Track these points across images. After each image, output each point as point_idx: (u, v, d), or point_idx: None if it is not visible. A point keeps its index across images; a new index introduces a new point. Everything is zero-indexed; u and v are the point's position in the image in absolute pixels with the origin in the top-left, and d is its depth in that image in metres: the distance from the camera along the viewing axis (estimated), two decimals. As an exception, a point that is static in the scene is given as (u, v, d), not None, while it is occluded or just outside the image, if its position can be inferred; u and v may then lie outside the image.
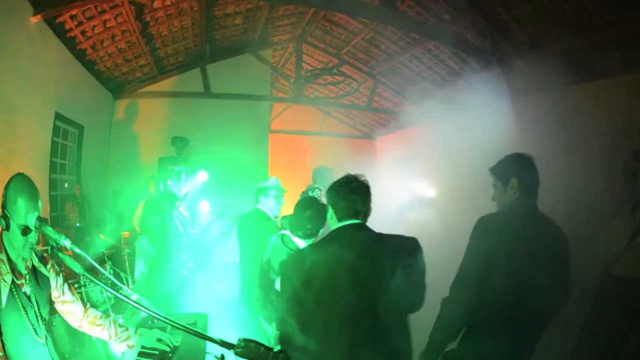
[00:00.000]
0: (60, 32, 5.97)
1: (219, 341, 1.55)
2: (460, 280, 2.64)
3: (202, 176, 8.17)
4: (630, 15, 4.74)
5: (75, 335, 4.45)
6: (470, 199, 5.90)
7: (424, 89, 9.35)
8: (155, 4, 6.80)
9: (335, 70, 10.42)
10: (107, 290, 2.51)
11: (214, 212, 7.64)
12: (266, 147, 10.96)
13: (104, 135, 8.85)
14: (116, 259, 6.05)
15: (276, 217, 4.56)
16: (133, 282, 4.94)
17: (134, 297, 3.23)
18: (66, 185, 7.03)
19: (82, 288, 4.69)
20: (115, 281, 2.67)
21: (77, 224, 6.51)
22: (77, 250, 2.02)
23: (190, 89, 9.78)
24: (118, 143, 9.11)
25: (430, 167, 8.54)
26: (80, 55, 6.80)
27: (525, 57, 6.43)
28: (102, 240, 5.89)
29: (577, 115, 5.30)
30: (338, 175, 2.51)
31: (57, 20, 5.77)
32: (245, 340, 1.53)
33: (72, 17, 5.92)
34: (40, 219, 2.00)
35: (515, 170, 2.72)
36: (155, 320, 3.19)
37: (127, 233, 6.80)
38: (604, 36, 5.28)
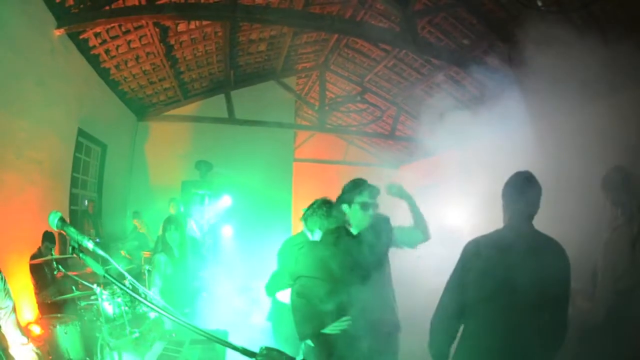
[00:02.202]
0: (83, 48, 6.16)
1: (240, 349, 1.52)
2: (442, 306, 2.55)
3: (226, 201, 8.22)
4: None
5: (90, 344, 4.46)
6: (495, 227, 5.82)
7: (446, 116, 9.32)
8: (180, 28, 7.00)
9: (358, 98, 10.49)
10: (128, 294, 2.52)
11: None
12: (290, 174, 10.96)
13: (126, 155, 9.01)
14: (136, 276, 6.08)
15: None
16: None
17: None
18: (86, 202, 7.13)
19: (96, 302, 4.68)
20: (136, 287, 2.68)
21: (97, 239, 6.58)
22: (100, 252, 2.02)
23: (215, 114, 9.91)
24: (140, 164, 9.27)
25: (454, 196, 8.44)
26: (103, 74, 6.99)
27: (546, 79, 6.38)
28: (122, 257, 5.95)
29: (600, 135, 5.20)
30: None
31: (81, 37, 5.96)
32: (268, 349, 1.50)
33: (96, 35, 6.12)
34: (62, 220, 2.01)
35: (509, 190, 2.66)
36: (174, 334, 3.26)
37: (147, 253, 6.85)
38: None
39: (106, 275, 1.99)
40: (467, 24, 7.05)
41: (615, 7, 5.58)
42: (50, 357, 4.33)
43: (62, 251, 5.27)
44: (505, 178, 4.25)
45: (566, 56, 4.65)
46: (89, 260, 2.01)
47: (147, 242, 7.44)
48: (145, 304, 1.76)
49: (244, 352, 1.50)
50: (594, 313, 3.32)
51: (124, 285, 1.69)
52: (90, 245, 1.91)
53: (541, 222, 4.43)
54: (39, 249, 4.89)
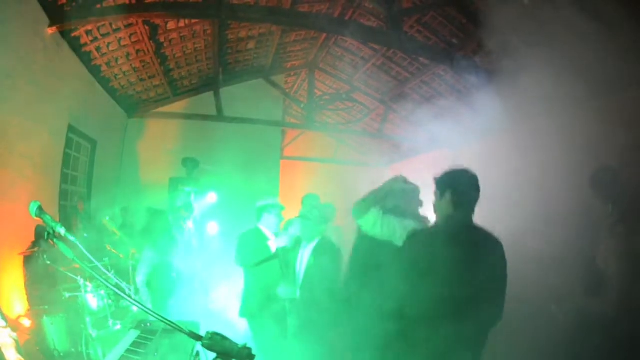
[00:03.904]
0: (75, 46, 6.20)
1: (187, 332, 1.62)
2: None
3: (211, 197, 8.26)
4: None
5: (74, 335, 4.54)
6: (483, 223, 5.92)
7: (434, 115, 9.41)
8: (169, 26, 7.06)
9: (344, 96, 10.58)
10: (100, 282, 2.63)
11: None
12: (277, 172, 11.02)
13: (116, 152, 9.06)
14: (120, 272, 6.13)
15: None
16: (136, 292, 5.04)
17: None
18: (77, 199, 7.16)
19: (80, 294, 4.74)
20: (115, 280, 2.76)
21: (85, 235, 6.62)
22: (71, 237, 2.15)
23: (203, 112, 9.99)
24: (130, 160, 9.32)
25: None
26: (94, 71, 7.03)
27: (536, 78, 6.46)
28: (108, 251, 6.00)
29: (591, 136, 5.29)
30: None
31: (73, 34, 5.99)
32: (212, 334, 1.60)
33: (88, 33, 6.16)
34: (40, 208, 2.13)
35: (451, 184, 2.72)
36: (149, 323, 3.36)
37: (134, 250, 6.89)
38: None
39: (75, 259, 2.12)
40: (456, 23, 7.15)
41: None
42: (37, 348, 4.41)
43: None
44: (495, 177, 4.37)
45: (555, 56, 4.73)
46: (61, 245, 2.15)
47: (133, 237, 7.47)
48: (114, 290, 1.87)
49: (192, 335, 1.61)
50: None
51: (97, 272, 1.81)
52: (62, 231, 2.07)
53: (528, 222, 4.57)
54: (33, 242, 4.95)
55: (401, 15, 6.80)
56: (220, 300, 6.22)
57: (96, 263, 2.59)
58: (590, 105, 5.13)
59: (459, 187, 2.68)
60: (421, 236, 2.65)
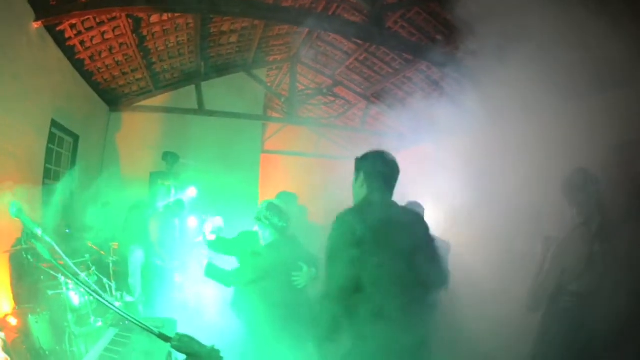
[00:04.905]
0: (60, 40, 6.12)
1: (157, 333, 1.65)
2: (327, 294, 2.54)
3: (191, 192, 8.24)
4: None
5: (58, 333, 4.53)
6: (466, 220, 6.01)
7: (416, 110, 9.48)
8: (152, 19, 7.01)
9: (325, 91, 10.62)
10: (68, 277, 2.68)
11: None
12: (257, 166, 11.00)
13: (99, 146, 8.95)
14: (101, 267, 6.09)
15: None
16: (116, 289, 5.03)
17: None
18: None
19: (62, 291, 4.72)
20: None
21: (67, 230, 6.56)
22: (47, 239, 2.18)
23: (185, 105, 9.93)
24: (112, 155, 9.21)
25: (423, 190, 8.57)
26: (78, 65, 6.94)
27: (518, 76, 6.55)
28: (89, 247, 5.96)
29: (573, 135, 5.35)
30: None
31: (58, 29, 5.92)
32: (181, 335, 1.63)
33: (72, 27, 6.09)
34: (20, 209, 2.15)
35: (364, 166, 2.75)
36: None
37: (116, 244, 6.85)
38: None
39: (52, 260, 2.16)
40: (441, 20, 7.22)
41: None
42: (24, 347, 4.39)
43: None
44: (480, 172, 4.42)
45: (540, 54, 4.80)
46: (38, 246, 2.19)
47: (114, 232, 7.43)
48: (84, 288, 1.91)
49: (161, 336, 1.65)
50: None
51: (69, 270, 1.85)
52: (39, 232, 2.11)
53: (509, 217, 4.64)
54: (17, 239, 4.91)
55: (385, 11, 6.86)
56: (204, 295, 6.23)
57: (69, 263, 2.63)
58: (573, 104, 5.21)
59: (372, 168, 2.71)
60: (343, 218, 2.60)
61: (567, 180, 3.67)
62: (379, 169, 2.70)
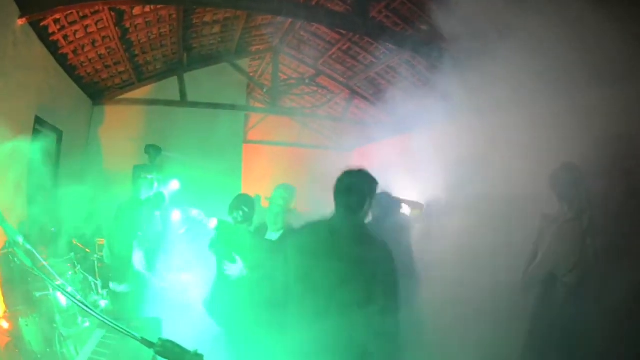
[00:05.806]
0: (43, 36, 6.00)
1: (139, 338, 1.66)
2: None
3: (174, 185, 8.18)
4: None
5: (48, 335, 4.50)
6: (449, 212, 6.06)
7: (400, 100, 9.51)
8: (135, 11, 6.92)
9: (307, 81, 10.61)
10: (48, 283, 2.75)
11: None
12: (239, 157, 10.99)
13: (82, 141, 8.82)
14: (86, 265, 6.05)
15: None
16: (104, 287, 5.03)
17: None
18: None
19: (49, 294, 4.69)
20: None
21: (52, 229, 6.49)
22: (28, 246, 2.19)
23: (168, 97, 9.86)
24: (96, 149, 9.09)
25: (406, 179, 8.61)
26: (61, 60, 6.83)
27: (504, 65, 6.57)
28: (74, 245, 5.92)
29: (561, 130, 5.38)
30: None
31: (42, 24, 5.81)
32: (163, 340, 1.64)
33: (56, 22, 5.98)
34: (1, 217, 2.14)
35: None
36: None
37: (102, 240, 6.79)
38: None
39: (34, 267, 2.18)
40: (426, 10, 7.22)
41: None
42: (16, 351, 4.36)
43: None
44: (460, 163, 4.44)
45: (528, 48, 4.83)
46: (20, 253, 2.20)
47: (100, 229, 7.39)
48: (64, 294, 1.93)
49: (143, 341, 1.67)
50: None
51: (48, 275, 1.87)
52: (20, 239, 2.12)
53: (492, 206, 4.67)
54: (6, 242, 4.86)
55: (369, 1, 6.86)
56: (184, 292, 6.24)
57: (50, 271, 2.63)
58: (562, 100, 5.25)
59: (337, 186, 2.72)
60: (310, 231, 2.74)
61: (555, 176, 3.73)
62: (335, 187, 2.72)
